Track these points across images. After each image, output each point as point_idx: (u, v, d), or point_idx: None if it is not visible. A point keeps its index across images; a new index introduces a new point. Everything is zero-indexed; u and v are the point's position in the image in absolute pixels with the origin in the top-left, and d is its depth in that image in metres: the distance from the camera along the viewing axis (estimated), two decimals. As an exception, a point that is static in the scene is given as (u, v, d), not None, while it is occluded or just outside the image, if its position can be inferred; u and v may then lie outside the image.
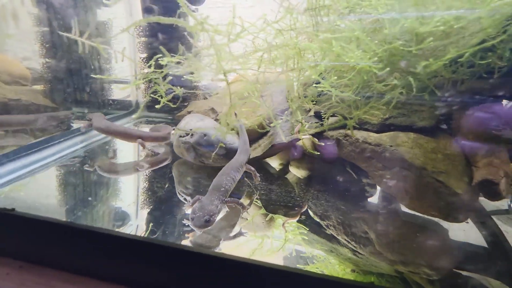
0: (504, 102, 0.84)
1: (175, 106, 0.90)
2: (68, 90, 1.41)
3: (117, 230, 0.73)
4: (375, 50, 0.57)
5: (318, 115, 1.11)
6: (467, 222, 0.83)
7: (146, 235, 0.75)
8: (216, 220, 0.72)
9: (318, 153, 1.02)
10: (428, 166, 0.79)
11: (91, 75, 1.40)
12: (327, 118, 0.90)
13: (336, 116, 1.00)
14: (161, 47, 0.71)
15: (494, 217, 0.85)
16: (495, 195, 0.67)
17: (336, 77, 0.64)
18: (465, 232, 0.80)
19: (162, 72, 0.74)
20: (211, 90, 1.59)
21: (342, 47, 0.58)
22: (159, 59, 0.73)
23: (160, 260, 0.57)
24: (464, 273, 0.68)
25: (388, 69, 0.57)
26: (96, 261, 0.63)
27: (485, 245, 0.76)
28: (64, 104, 1.43)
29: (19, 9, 1.26)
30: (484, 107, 0.87)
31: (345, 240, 0.79)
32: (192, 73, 0.81)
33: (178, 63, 0.74)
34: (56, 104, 1.41)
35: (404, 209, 0.87)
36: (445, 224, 0.80)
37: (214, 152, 0.94)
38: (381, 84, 0.64)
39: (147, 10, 1.39)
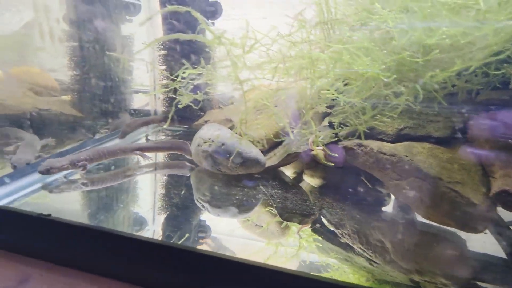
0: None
1: (197, 107, 0.98)
2: (94, 100, 1.51)
3: (136, 234, 0.77)
4: (384, 59, 0.59)
5: (332, 125, 1.13)
6: (486, 233, 0.81)
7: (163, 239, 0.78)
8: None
9: (332, 164, 1.03)
10: (444, 176, 0.79)
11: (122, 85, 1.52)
12: (338, 124, 0.92)
13: (349, 126, 1.01)
14: (184, 60, 0.76)
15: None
16: (513, 206, 0.66)
17: (344, 84, 0.67)
18: (483, 242, 0.78)
19: (189, 82, 0.79)
20: (225, 100, 1.64)
21: (352, 56, 0.60)
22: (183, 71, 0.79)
23: (177, 264, 0.60)
24: (481, 284, 0.67)
25: (394, 76, 0.59)
26: (120, 263, 0.66)
27: (503, 256, 0.74)
28: (89, 113, 1.52)
29: (55, 27, 1.38)
30: (500, 116, 0.86)
31: (360, 249, 0.80)
32: (209, 83, 0.87)
33: (199, 74, 0.79)
34: (82, 113, 1.51)
35: (419, 218, 0.87)
36: (462, 234, 0.79)
37: (231, 160, 0.97)
38: (388, 91, 0.65)
39: (168, 25, 1.48)
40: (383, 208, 1.00)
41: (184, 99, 0.82)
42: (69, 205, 0.97)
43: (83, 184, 1.03)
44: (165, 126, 1.14)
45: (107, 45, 1.43)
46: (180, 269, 0.61)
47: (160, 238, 0.81)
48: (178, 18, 1.38)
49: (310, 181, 1.17)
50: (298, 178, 1.19)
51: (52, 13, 1.36)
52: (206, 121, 1.50)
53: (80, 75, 1.47)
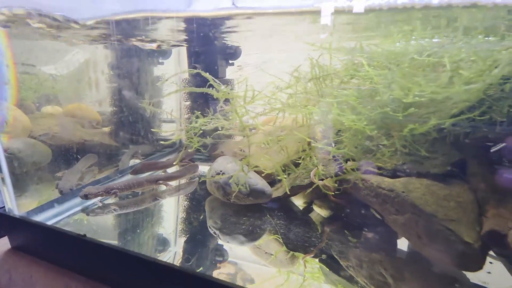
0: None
1: (205, 151, 1.13)
2: (129, 132, 1.74)
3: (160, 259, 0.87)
4: (368, 113, 0.68)
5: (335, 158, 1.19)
6: (489, 272, 0.81)
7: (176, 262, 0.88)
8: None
9: (338, 200, 1.09)
10: (439, 214, 0.81)
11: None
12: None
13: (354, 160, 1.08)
14: (196, 111, 0.92)
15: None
16: (503, 247, 0.68)
17: (336, 134, 0.75)
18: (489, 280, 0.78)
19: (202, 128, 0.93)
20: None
21: (340, 110, 0.70)
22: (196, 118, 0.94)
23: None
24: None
25: (375, 132, 0.67)
26: (145, 283, 0.77)
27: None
28: (124, 143, 1.74)
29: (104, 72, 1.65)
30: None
31: (364, 282, 0.83)
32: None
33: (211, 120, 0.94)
34: (118, 143, 1.73)
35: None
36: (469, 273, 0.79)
37: (237, 191, 1.08)
38: (371, 144, 0.73)
39: (192, 68, 1.69)
40: (390, 241, 1.02)
41: (194, 144, 0.96)
42: (102, 226, 1.12)
43: (114, 209, 1.18)
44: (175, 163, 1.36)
45: (141, 85, 1.67)
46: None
47: (179, 260, 0.90)
48: (199, 62, 1.60)
49: (319, 211, 1.23)
50: (308, 208, 1.25)
51: (101, 63, 1.64)
52: (222, 152, 1.64)
53: (117, 111, 1.71)
